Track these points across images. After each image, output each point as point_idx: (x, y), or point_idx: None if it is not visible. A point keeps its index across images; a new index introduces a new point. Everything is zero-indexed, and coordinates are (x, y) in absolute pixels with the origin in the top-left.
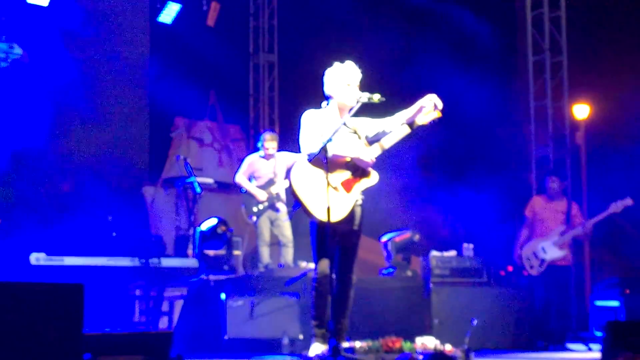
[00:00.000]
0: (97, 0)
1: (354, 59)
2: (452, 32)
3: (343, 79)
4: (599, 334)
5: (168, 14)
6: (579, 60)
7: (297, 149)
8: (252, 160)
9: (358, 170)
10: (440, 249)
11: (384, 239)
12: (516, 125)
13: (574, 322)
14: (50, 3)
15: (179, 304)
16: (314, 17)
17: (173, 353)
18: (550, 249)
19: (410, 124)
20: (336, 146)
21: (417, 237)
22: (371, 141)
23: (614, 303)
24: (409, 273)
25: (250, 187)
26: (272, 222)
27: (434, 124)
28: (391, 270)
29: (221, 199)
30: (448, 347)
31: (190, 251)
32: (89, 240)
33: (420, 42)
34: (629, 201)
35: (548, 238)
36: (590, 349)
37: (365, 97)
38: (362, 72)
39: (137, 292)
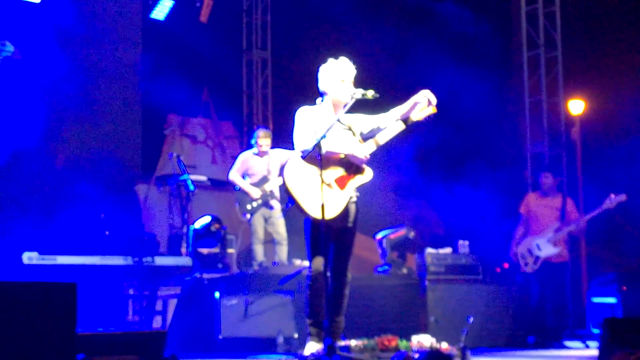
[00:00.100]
0: None
1: (348, 55)
2: (447, 28)
3: (337, 75)
4: (596, 331)
5: (161, 10)
6: (573, 56)
7: (291, 146)
8: (245, 158)
9: (352, 167)
10: (436, 246)
11: (379, 236)
12: (511, 121)
13: (570, 319)
14: (42, 0)
15: (172, 303)
16: (307, 14)
17: (167, 353)
18: (545, 246)
19: (405, 120)
20: (330, 143)
21: (412, 234)
22: (366, 138)
23: (611, 300)
24: (405, 270)
25: (244, 184)
26: (266, 220)
27: (429, 119)
28: (386, 267)
29: (215, 197)
30: (444, 345)
31: (183, 249)
32: (81, 239)
33: (415, 37)
34: (622, 197)
35: (543, 235)
36: (587, 346)
37: (359, 93)
38: (356, 68)
39: (131, 291)
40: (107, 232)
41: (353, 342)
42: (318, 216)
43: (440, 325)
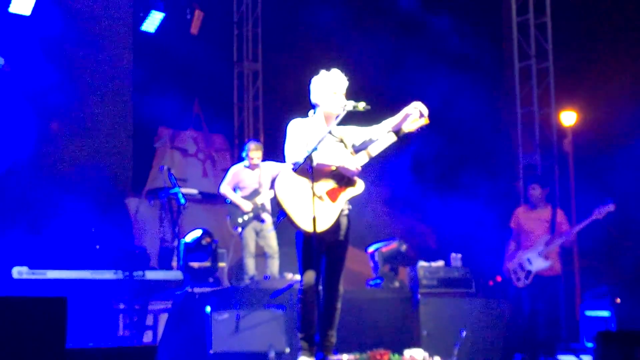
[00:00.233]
0: (79, 9)
1: (340, 66)
2: (438, 39)
3: (329, 87)
4: (589, 344)
5: (151, 23)
6: (565, 67)
7: (282, 159)
8: (236, 171)
9: (343, 179)
10: (428, 259)
11: (371, 249)
12: (503, 133)
13: (564, 333)
14: (32, 12)
15: (163, 318)
16: (298, 26)
17: None
18: (536, 260)
19: (397, 131)
20: (321, 155)
21: (404, 247)
22: (357, 150)
23: (605, 313)
24: (397, 284)
25: (235, 197)
26: (257, 233)
27: (421, 131)
28: (378, 281)
29: (206, 210)
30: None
31: (174, 263)
32: (71, 253)
33: (406, 49)
34: (611, 207)
35: (533, 249)
36: None
37: (350, 105)
38: (348, 80)
39: (121, 306)
40: (97, 246)
41: (345, 357)
42: (309, 229)
43: (433, 339)
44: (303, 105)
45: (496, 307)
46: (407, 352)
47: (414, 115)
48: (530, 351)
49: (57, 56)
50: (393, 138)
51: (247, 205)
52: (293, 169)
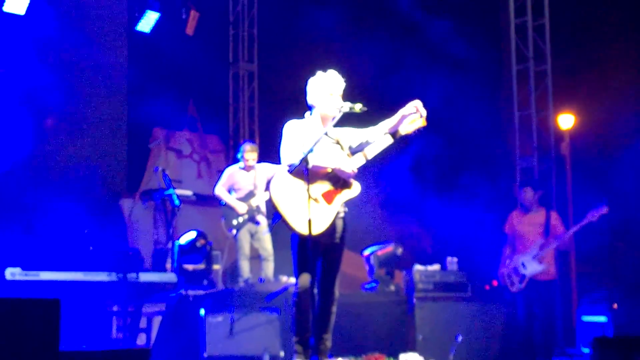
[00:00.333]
0: (74, 9)
1: (336, 67)
2: (436, 41)
3: (326, 88)
4: (586, 350)
5: (146, 23)
6: (563, 70)
7: (277, 160)
8: (231, 172)
9: (339, 181)
10: (424, 263)
11: (367, 252)
12: (500, 136)
13: (560, 338)
14: (26, 12)
15: (157, 320)
16: (294, 26)
17: None
18: (530, 264)
19: (394, 133)
20: (317, 157)
21: (400, 250)
22: (354, 152)
23: (601, 318)
24: (392, 288)
25: (230, 199)
26: (252, 236)
27: (418, 133)
28: (374, 284)
29: (200, 212)
30: None
31: (168, 265)
32: (65, 254)
33: (404, 51)
34: (604, 209)
35: (528, 253)
36: None
37: (347, 106)
38: (345, 81)
39: (115, 308)
40: (90, 248)
41: None
42: (305, 231)
43: (429, 343)
44: (299, 106)
45: (492, 312)
46: (403, 357)
47: (412, 117)
48: (526, 356)
49: (51, 56)
50: (390, 140)
51: (242, 207)
52: (289, 171)
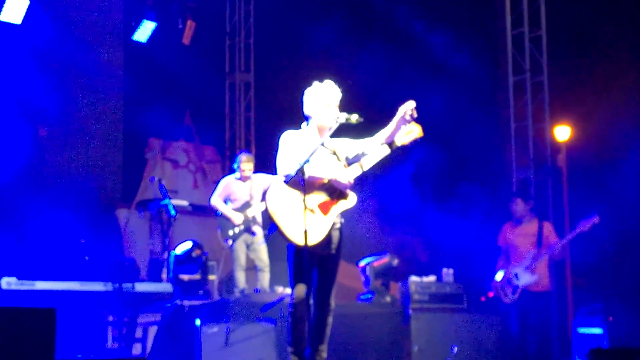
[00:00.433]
0: (70, 18)
1: (333, 78)
2: (433, 53)
3: (322, 99)
4: None
5: (143, 32)
6: (560, 81)
7: (274, 171)
8: (227, 182)
9: (335, 192)
10: (420, 274)
11: (362, 263)
12: (497, 147)
13: (556, 350)
14: (23, 21)
15: (152, 330)
16: (291, 37)
17: None
18: (523, 275)
19: (390, 144)
20: (313, 167)
21: (395, 261)
22: (350, 162)
23: (597, 330)
24: (388, 299)
25: (226, 209)
26: (248, 246)
27: (415, 143)
28: (369, 295)
29: (196, 222)
30: None
31: (164, 275)
32: (61, 264)
33: (400, 62)
34: (596, 219)
35: (520, 264)
36: None
37: (343, 117)
38: (341, 92)
39: (110, 318)
40: (86, 257)
41: None
42: (301, 242)
43: (424, 354)
44: (295, 117)
45: (488, 323)
46: None
47: (408, 127)
48: None
49: (47, 66)
50: (387, 150)
51: (238, 218)
52: (285, 181)
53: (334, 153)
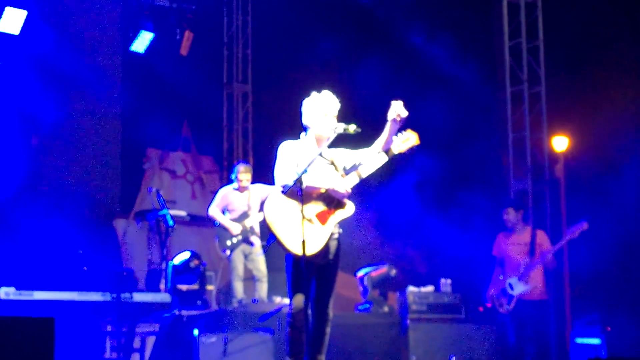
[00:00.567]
0: (68, 29)
1: (330, 89)
2: (430, 63)
3: (320, 109)
4: None
5: (141, 43)
6: (557, 92)
7: (271, 181)
8: (225, 193)
9: (333, 201)
10: (418, 284)
11: (360, 273)
12: (495, 158)
13: None
14: (20, 32)
15: (150, 340)
16: (288, 47)
17: None
18: (517, 285)
19: (387, 151)
20: (311, 177)
21: (394, 271)
22: (348, 172)
23: (595, 341)
24: (386, 309)
25: (224, 220)
26: (246, 256)
27: (412, 151)
28: (367, 306)
29: (194, 232)
30: None
31: (162, 286)
32: (59, 274)
33: (398, 72)
34: (584, 226)
35: (514, 273)
36: None
37: (340, 127)
38: (339, 102)
39: (108, 328)
40: (84, 268)
41: None
42: (299, 252)
43: None
44: (293, 127)
45: (486, 333)
46: None
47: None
48: None
49: (45, 76)
50: (384, 159)
51: (236, 228)
52: (282, 192)
53: (332, 163)
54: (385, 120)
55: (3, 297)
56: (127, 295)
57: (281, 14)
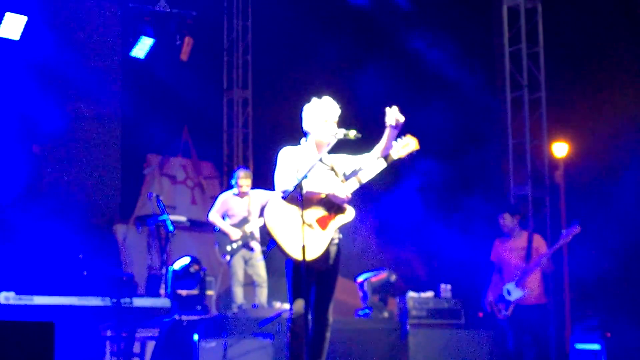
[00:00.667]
0: (69, 34)
1: (330, 94)
2: (431, 69)
3: (320, 115)
4: None
5: (141, 49)
6: (557, 98)
7: (271, 187)
8: (225, 198)
9: (333, 206)
10: (418, 290)
11: (360, 279)
12: (495, 164)
13: None
14: (21, 37)
15: (150, 345)
16: (288, 53)
17: None
18: (514, 290)
19: (387, 157)
20: (311, 183)
21: (393, 277)
22: (348, 178)
23: (595, 346)
24: (386, 314)
25: (224, 225)
26: (246, 262)
27: (412, 157)
28: (367, 311)
29: (194, 238)
30: None
31: (162, 291)
32: (59, 279)
33: (398, 78)
34: (577, 229)
35: (512, 279)
36: None
37: (341, 133)
38: (340, 108)
39: (108, 333)
40: (85, 273)
41: None
42: (299, 257)
43: None
44: (293, 132)
45: (485, 339)
46: None
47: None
48: None
49: (45, 82)
50: (383, 164)
51: (235, 233)
52: (282, 197)
53: (332, 169)
54: (385, 126)
55: (3, 301)
56: (127, 300)
57: (281, 19)
